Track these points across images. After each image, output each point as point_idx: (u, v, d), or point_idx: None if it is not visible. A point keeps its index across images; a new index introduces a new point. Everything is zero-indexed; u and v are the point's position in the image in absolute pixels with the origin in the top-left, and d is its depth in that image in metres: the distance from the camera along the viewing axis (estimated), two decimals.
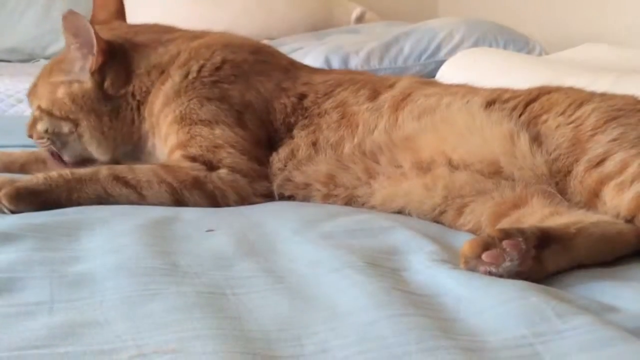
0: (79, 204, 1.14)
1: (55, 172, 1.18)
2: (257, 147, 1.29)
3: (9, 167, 1.43)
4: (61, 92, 1.36)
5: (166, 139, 1.32)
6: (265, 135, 1.31)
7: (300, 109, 1.32)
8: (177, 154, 1.27)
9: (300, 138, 1.28)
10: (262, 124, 1.31)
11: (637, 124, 1.10)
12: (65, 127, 1.37)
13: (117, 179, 1.18)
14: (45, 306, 0.75)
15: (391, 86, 1.33)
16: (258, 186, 1.25)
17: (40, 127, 1.39)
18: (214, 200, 1.21)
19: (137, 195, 1.18)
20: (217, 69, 1.35)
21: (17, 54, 3.29)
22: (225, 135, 1.27)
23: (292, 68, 1.44)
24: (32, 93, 1.43)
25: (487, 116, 1.18)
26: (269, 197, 1.25)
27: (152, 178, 1.19)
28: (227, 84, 1.33)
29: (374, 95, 1.30)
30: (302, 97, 1.34)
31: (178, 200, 1.19)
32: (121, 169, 1.21)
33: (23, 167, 1.45)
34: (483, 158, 1.15)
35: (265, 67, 1.39)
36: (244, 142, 1.27)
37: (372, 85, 1.33)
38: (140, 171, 1.21)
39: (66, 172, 1.18)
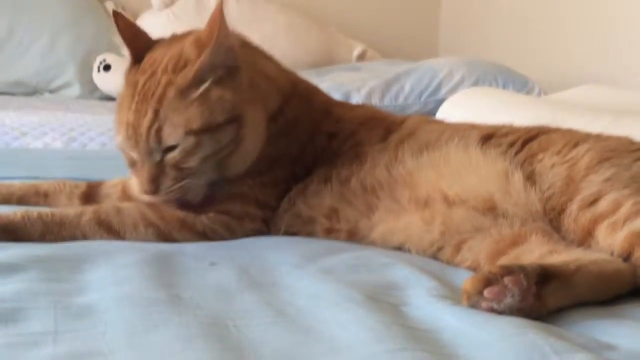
0: (51, 242, 1.13)
1: (36, 211, 1.16)
2: (275, 189, 1.27)
3: (7, 199, 1.39)
4: (216, 94, 1.18)
5: None
6: (292, 175, 1.29)
7: (328, 149, 1.31)
8: None
9: (318, 175, 1.27)
10: (292, 164, 1.29)
11: (630, 165, 1.12)
12: (230, 133, 1.19)
13: (101, 223, 1.17)
14: (49, 336, 0.76)
15: (400, 124, 1.35)
16: (249, 225, 1.24)
17: (199, 155, 1.17)
18: (205, 237, 1.21)
19: (118, 240, 1.17)
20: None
21: (21, 87, 3.31)
22: (252, 190, 1.25)
23: (329, 105, 1.42)
24: (158, 133, 1.15)
25: (483, 154, 1.20)
26: (261, 234, 1.25)
27: (138, 221, 1.18)
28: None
29: (386, 135, 1.31)
30: (331, 137, 1.32)
31: (167, 241, 1.18)
32: (107, 212, 1.18)
33: (21, 200, 1.40)
34: (478, 195, 1.16)
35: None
36: (261, 193, 1.26)
37: (387, 125, 1.34)
38: (127, 213, 1.19)
39: (46, 212, 1.16)
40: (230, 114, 1.18)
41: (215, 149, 1.18)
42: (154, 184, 1.16)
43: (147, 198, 1.19)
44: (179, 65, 1.17)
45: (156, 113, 1.14)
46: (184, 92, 1.15)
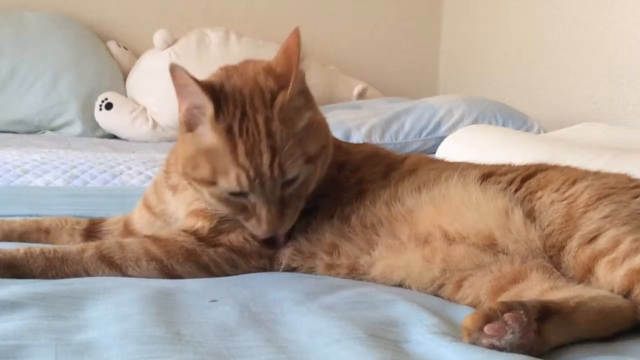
0: (54, 278, 1.13)
1: (38, 247, 1.16)
2: None
3: (8, 236, 1.40)
4: (316, 119, 1.22)
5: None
6: (303, 211, 1.27)
7: (336, 180, 1.31)
8: (199, 224, 1.25)
9: (322, 211, 1.27)
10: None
11: (628, 202, 1.13)
12: (326, 155, 1.24)
13: (103, 258, 1.17)
14: None
15: (402, 162, 1.36)
16: (254, 262, 1.24)
17: (315, 179, 1.21)
18: (209, 271, 1.21)
19: (121, 276, 1.17)
20: None
21: (24, 125, 3.33)
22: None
23: (336, 140, 1.43)
24: (282, 168, 1.14)
25: (482, 191, 1.21)
26: (263, 270, 1.25)
27: (141, 256, 1.19)
28: None
29: (388, 172, 1.32)
30: (340, 167, 1.33)
31: (169, 275, 1.19)
32: (109, 248, 1.19)
33: (22, 236, 1.41)
34: (478, 232, 1.17)
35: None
36: None
37: (389, 162, 1.36)
38: (130, 248, 1.19)
39: (49, 249, 1.16)
40: (328, 136, 1.24)
41: (323, 171, 1.24)
42: (277, 224, 1.17)
43: (267, 235, 1.19)
44: (266, 99, 1.17)
45: (273, 150, 1.14)
46: (288, 124, 1.16)
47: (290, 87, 1.16)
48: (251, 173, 1.13)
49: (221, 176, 1.15)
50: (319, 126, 1.22)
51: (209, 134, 1.16)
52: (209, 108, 1.15)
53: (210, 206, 1.23)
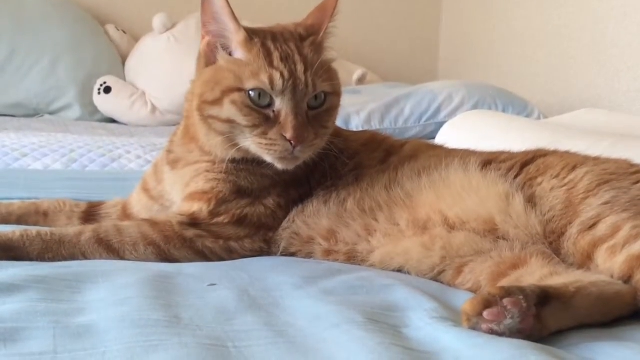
0: (50, 261, 1.13)
1: (35, 230, 1.16)
2: (286, 211, 1.27)
3: (6, 219, 1.40)
4: (337, 73, 1.30)
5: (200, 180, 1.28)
6: (300, 197, 1.29)
7: (332, 167, 1.31)
8: (196, 207, 1.24)
9: (317, 197, 1.28)
10: (302, 185, 1.30)
11: (629, 188, 1.12)
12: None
13: (100, 242, 1.17)
14: (48, 356, 0.76)
15: (401, 147, 1.36)
16: (249, 246, 1.24)
17: (334, 118, 1.28)
18: (205, 257, 1.21)
19: (118, 259, 1.17)
20: None
21: (22, 109, 3.33)
22: (267, 210, 1.25)
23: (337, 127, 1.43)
24: (314, 79, 1.21)
25: (483, 177, 1.21)
26: (259, 253, 1.25)
27: (138, 240, 1.18)
28: None
29: (386, 157, 1.33)
30: (338, 154, 1.33)
31: (167, 259, 1.19)
32: (107, 231, 1.18)
33: (20, 219, 1.41)
34: (479, 216, 1.17)
35: None
36: (273, 215, 1.26)
37: (388, 147, 1.36)
38: (127, 232, 1.19)
39: (45, 231, 1.16)
40: (340, 92, 1.29)
41: (336, 119, 1.28)
42: (303, 134, 1.17)
43: (286, 150, 1.18)
44: (295, 37, 1.24)
45: (305, 64, 1.20)
46: (316, 53, 1.23)
47: (321, 33, 1.24)
48: (285, 74, 1.17)
49: (250, 79, 1.18)
50: (337, 77, 1.28)
51: (238, 52, 1.20)
52: (240, 34, 1.20)
53: (220, 128, 1.21)
